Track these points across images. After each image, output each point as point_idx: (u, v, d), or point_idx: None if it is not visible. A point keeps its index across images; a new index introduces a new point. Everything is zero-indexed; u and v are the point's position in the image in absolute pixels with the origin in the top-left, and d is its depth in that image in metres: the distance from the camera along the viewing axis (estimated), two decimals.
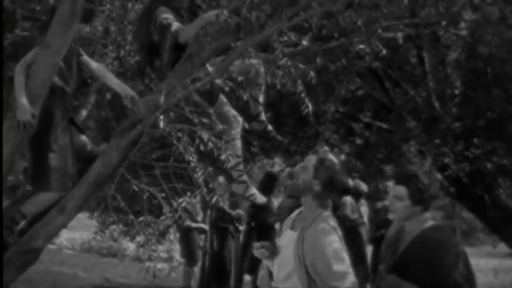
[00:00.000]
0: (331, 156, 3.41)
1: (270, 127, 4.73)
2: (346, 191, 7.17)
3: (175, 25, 4.25)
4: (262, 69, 4.50)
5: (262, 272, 3.70)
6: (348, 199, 7.38)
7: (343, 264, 3.15)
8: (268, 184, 6.93)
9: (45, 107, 3.90)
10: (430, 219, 3.36)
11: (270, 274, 3.51)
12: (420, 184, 3.30)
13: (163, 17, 4.30)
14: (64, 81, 4.06)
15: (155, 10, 4.36)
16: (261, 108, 4.67)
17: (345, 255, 3.19)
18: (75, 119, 4.48)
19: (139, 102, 4.05)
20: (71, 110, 4.38)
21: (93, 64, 4.25)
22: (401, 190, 3.32)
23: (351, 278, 3.13)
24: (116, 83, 4.19)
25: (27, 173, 4.08)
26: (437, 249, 3.23)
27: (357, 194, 7.76)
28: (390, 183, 3.49)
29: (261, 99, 4.64)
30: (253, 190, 4.50)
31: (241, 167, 4.41)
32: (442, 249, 3.23)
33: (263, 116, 4.69)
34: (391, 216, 3.41)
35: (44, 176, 3.94)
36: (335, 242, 3.20)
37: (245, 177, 4.46)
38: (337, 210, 6.38)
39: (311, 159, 3.35)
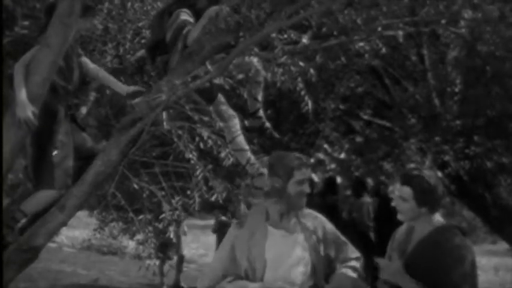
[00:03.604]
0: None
1: (267, 124, 4.71)
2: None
3: (188, 28, 4.25)
4: (261, 67, 4.50)
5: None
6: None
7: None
8: None
9: (48, 104, 3.91)
10: (439, 220, 3.32)
11: None
12: (425, 184, 3.24)
13: (182, 19, 4.29)
14: (65, 80, 4.06)
15: (176, 10, 4.35)
16: (259, 105, 4.65)
17: None
18: (77, 117, 4.49)
19: (141, 102, 4.05)
20: (73, 108, 4.38)
21: (91, 65, 4.26)
22: (406, 191, 3.26)
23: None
24: (114, 82, 4.20)
25: (28, 171, 4.08)
26: (439, 250, 3.20)
27: None
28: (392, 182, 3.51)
29: (259, 97, 4.63)
30: None
31: (253, 159, 4.40)
32: (443, 249, 3.20)
33: (261, 113, 4.67)
34: (399, 217, 3.36)
35: (47, 173, 3.94)
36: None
37: (262, 169, 4.44)
38: None
39: (264, 163, 3.52)
